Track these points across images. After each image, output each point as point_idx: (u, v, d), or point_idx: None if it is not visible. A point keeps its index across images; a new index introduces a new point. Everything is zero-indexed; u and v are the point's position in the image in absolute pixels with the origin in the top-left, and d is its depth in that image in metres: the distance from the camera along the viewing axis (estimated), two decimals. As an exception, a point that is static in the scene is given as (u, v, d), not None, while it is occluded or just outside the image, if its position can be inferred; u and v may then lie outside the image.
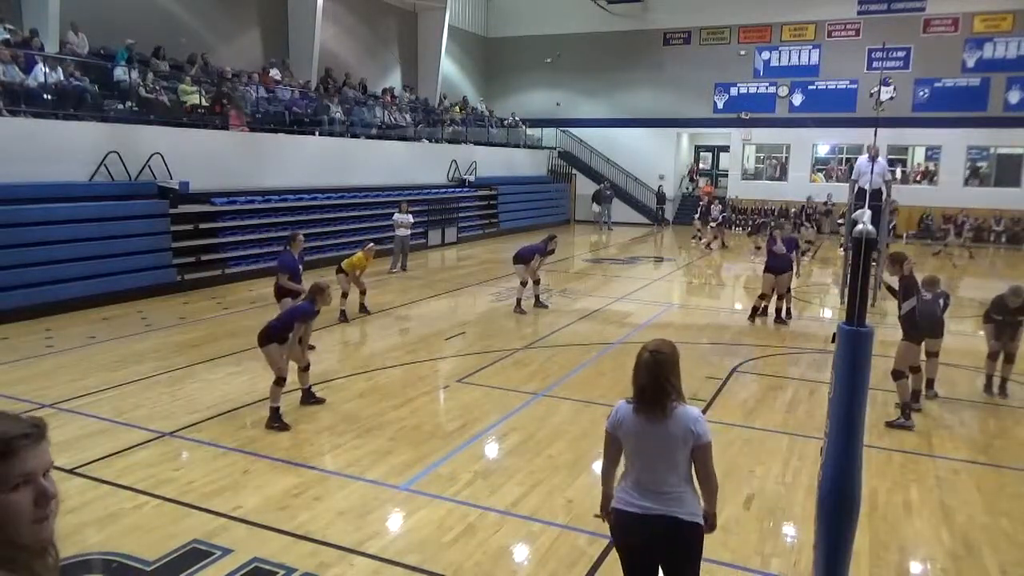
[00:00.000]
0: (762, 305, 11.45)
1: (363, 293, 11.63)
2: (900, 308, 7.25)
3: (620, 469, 3.27)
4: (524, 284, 11.92)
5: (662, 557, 3.16)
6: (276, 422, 6.65)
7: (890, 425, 6.91)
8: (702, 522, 3.13)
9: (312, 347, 7.51)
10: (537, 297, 12.21)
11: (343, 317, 11.05)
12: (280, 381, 6.72)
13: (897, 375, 7.06)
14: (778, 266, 11.20)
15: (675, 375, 3.09)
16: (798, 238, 11.67)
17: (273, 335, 6.79)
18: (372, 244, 11.61)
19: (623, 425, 3.13)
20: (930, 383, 7.78)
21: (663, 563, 3.19)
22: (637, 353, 3.14)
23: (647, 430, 3.05)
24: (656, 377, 3.03)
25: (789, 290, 11.48)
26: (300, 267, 9.19)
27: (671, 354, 3.10)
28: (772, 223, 11.55)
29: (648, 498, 3.07)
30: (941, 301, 7.62)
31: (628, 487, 3.15)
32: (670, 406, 3.03)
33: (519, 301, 11.90)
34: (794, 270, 11.42)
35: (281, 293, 8.94)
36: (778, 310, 11.44)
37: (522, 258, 11.88)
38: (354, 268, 11.17)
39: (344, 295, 11.18)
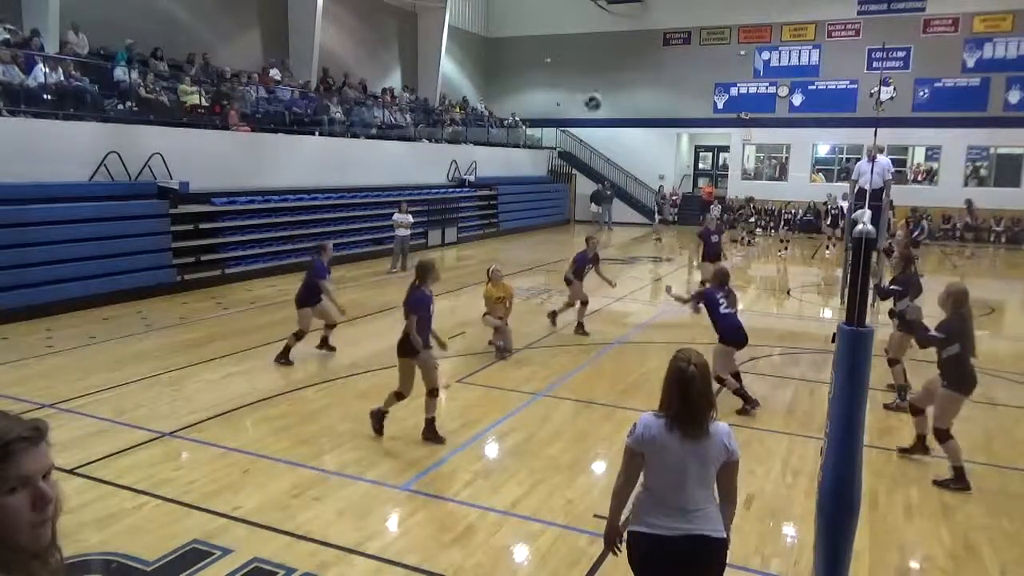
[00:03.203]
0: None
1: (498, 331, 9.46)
2: (896, 305, 7.54)
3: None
4: (585, 304, 10.58)
5: None
6: (432, 434, 6.33)
7: (889, 408, 7.18)
8: (727, 537, 3.02)
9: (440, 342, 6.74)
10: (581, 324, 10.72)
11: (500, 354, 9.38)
12: (435, 392, 6.36)
13: (893, 362, 7.44)
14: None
15: (712, 386, 2.99)
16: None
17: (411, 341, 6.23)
18: (494, 266, 9.64)
19: (654, 442, 2.94)
20: None
21: None
22: (672, 366, 2.98)
23: (684, 448, 2.91)
24: (703, 392, 2.92)
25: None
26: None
27: (707, 365, 2.99)
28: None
29: (674, 518, 2.93)
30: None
31: (650, 507, 2.99)
32: (709, 422, 2.93)
33: (581, 324, 10.60)
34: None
35: (304, 301, 8.71)
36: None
37: (576, 275, 10.56)
38: (492, 301, 9.40)
39: (497, 329, 9.46)
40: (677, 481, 2.94)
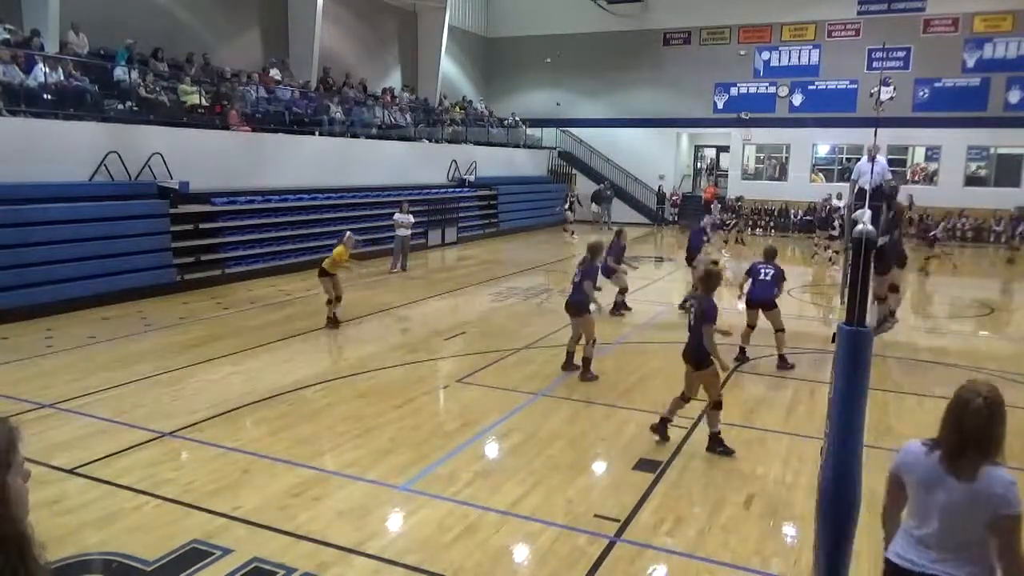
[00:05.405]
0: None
1: (338, 300, 10.63)
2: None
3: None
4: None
5: None
6: (720, 446, 6.20)
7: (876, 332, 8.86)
8: None
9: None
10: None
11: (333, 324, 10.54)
12: (720, 404, 6.28)
13: (880, 299, 9.43)
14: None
15: (1003, 427, 2.61)
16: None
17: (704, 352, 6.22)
18: (350, 233, 11.08)
19: (911, 466, 2.74)
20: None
21: None
22: (955, 394, 2.72)
23: (941, 479, 2.62)
24: (983, 429, 2.58)
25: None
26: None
27: (1001, 403, 2.62)
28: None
29: (914, 551, 2.69)
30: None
31: (900, 535, 2.80)
32: (983, 467, 2.56)
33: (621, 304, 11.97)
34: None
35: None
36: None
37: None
38: (336, 264, 10.55)
39: (331, 301, 10.57)
40: (925, 512, 2.69)
